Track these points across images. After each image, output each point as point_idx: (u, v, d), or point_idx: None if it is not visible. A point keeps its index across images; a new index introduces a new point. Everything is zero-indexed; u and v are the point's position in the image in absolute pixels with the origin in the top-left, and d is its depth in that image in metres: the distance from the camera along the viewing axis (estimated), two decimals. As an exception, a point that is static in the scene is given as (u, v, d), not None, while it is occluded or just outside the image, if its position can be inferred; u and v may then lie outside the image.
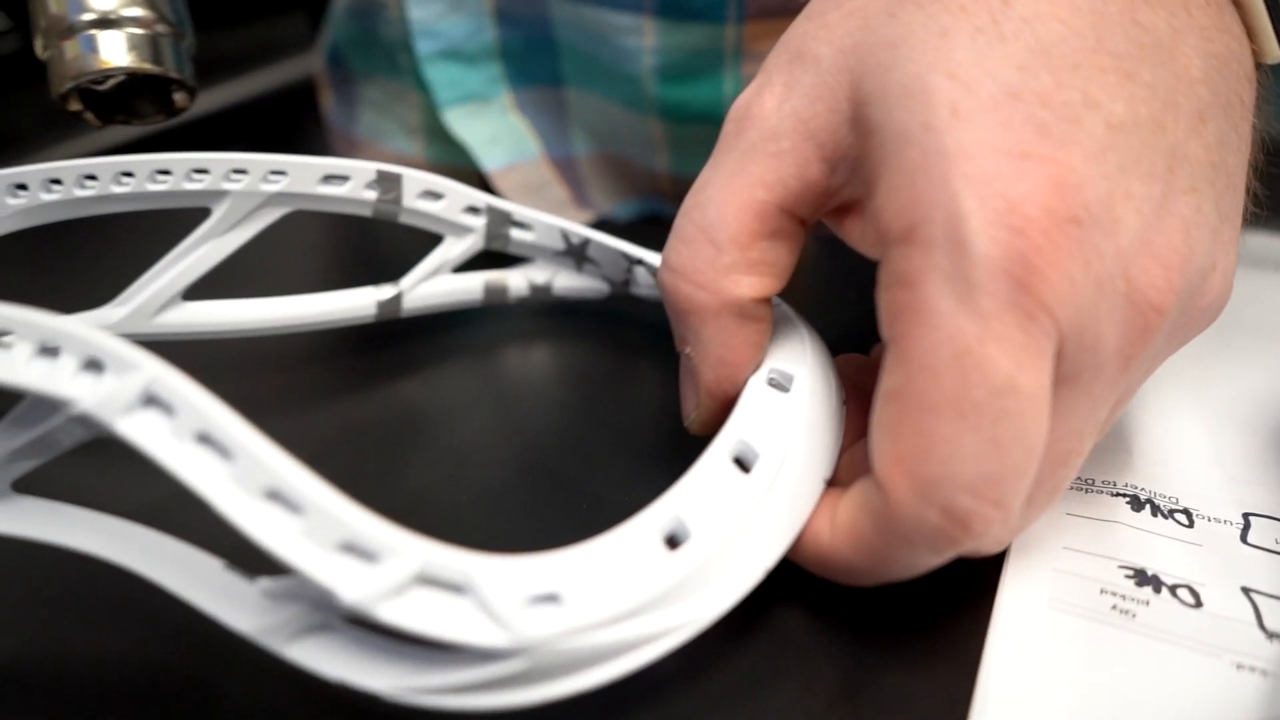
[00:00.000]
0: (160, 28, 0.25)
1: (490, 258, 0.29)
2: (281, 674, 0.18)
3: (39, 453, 0.17)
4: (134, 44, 0.24)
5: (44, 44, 0.25)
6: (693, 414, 0.21)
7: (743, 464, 0.18)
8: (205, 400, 0.15)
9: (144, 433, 0.15)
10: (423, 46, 0.34)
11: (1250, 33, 0.19)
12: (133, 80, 0.25)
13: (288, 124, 0.52)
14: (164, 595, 0.20)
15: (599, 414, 0.26)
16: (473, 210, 0.27)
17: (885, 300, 0.17)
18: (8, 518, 0.18)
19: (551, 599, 0.15)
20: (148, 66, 0.24)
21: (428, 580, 0.15)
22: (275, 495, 0.15)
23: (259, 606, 0.16)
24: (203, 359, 0.22)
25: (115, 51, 0.24)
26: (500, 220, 0.27)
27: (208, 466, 0.15)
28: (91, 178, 0.25)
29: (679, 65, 0.31)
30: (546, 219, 0.27)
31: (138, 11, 0.24)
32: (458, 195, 0.27)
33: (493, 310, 0.30)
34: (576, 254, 0.28)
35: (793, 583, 0.20)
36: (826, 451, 0.20)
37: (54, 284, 0.30)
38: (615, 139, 0.35)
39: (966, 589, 0.20)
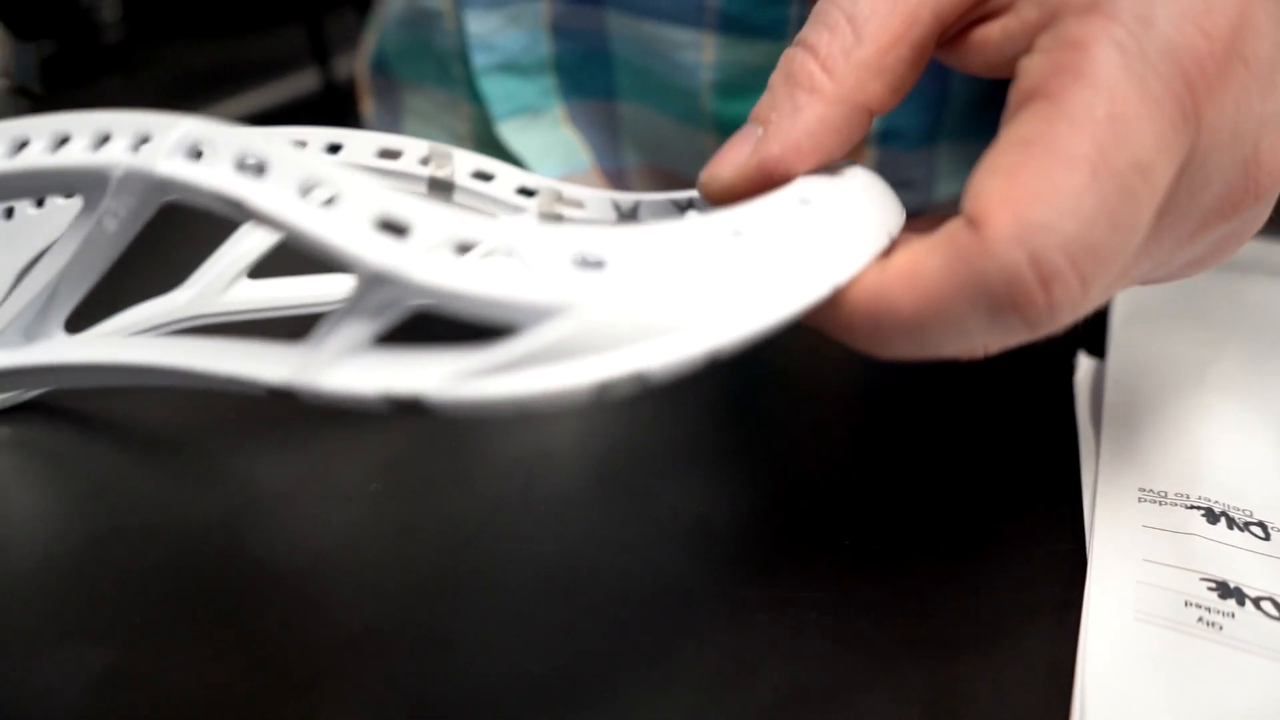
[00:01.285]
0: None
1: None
2: (385, 678, 0.18)
3: (88, 263, 0.18)
4: None
5: None
6: (725, 175, 0.19)
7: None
8: (235, 132, 0.16)
9: (184, 169, 0.16)
10: (479, 59, 0.34)
11: None
12: None
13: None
14: (259, 600, 0.20)
15: (669, 422, 0.26)
16: (525, 192, 0.28)
17: (1037, 64, 0.17)
18: (68, 350, 0.19)
19: (598, 264, 0.15)
20: None
21: (469, 246, 0.15)
22: (309, 187, 0.15)
23: (292, 351, 0.15)
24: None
25: None
26: (552, 198, 0.28)
27: (248, 180, 0.15)
28: None
29: (738, 81, 0.32)
30: (596, 192, 0.28)
31: None
32: (509, 175, 0.27)
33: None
34: (629, 222, 0.28)
35: (876, 596, 0.20)
36: (884, 214, 0.19)
37: (123, 272, 0.30)
38: (666, 152, 0.35)
39: (1051, 599, 0.20)
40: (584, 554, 0.22)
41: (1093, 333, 0.29)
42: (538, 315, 0.14)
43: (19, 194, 0.18)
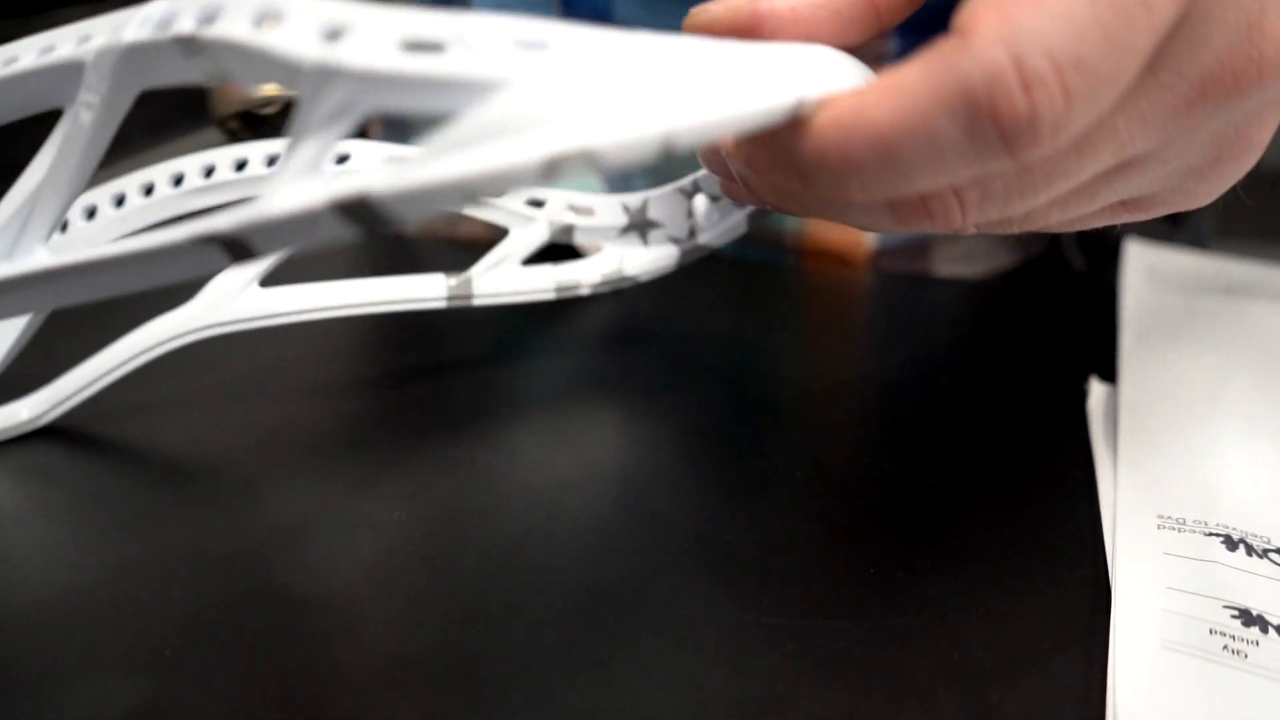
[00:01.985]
0: None
1: (557, 254, 0.29)
2: (421, 712, 0.18)
3: (66, 168, 0.18)
4: None
5: None
6: (716, 9, 0.18)
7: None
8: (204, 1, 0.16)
9: (146, 31, 0.16)
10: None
11: None
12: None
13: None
14: (290, 631, 0.20)
15: (689, 450, 0.26)
16: (535, 204, 0.28)
17: None
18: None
19: (540, 45, 0.14)
20: None
21: (415, 43, 0.14)
22: (261, 19, 0.15)
23: (245, 205, 0.15)
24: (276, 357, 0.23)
25: None
26: (562, 207, 0.28)
27: (204, 23, 0.16)
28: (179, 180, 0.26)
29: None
30: (605, 198, 0.28)
31: None
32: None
33: (567, 337, 0.31)
34: (639, 223, 0.28)
35: (903, 624, 0.20)
36: (865, 73, 0.18)
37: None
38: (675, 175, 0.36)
39: (1077, 627, 0.20)
40: (613, 583, 0.22)
41: (1104, 357, 0.30)
42: (479, 92, 0.14)
43: (9, 107, 0.18)
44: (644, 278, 0.28)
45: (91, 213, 0.26)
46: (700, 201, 0.28)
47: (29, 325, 0.26)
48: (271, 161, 0.26)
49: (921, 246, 0.37)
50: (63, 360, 0.27)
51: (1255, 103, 0.17)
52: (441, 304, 0.28)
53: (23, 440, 0.27)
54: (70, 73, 0.17)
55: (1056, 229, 0.20)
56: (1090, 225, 0.21)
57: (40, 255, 0.19)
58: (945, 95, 0.14)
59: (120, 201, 0.26)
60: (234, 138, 0.27)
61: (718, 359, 0.31)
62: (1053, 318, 0.34)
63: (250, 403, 0.29)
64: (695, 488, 0.25)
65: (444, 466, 0.26)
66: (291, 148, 0.15)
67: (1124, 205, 0.20)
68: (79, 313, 0.27)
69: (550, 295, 0.29)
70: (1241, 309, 0.33)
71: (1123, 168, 0.17)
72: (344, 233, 0.14)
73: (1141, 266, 0.35)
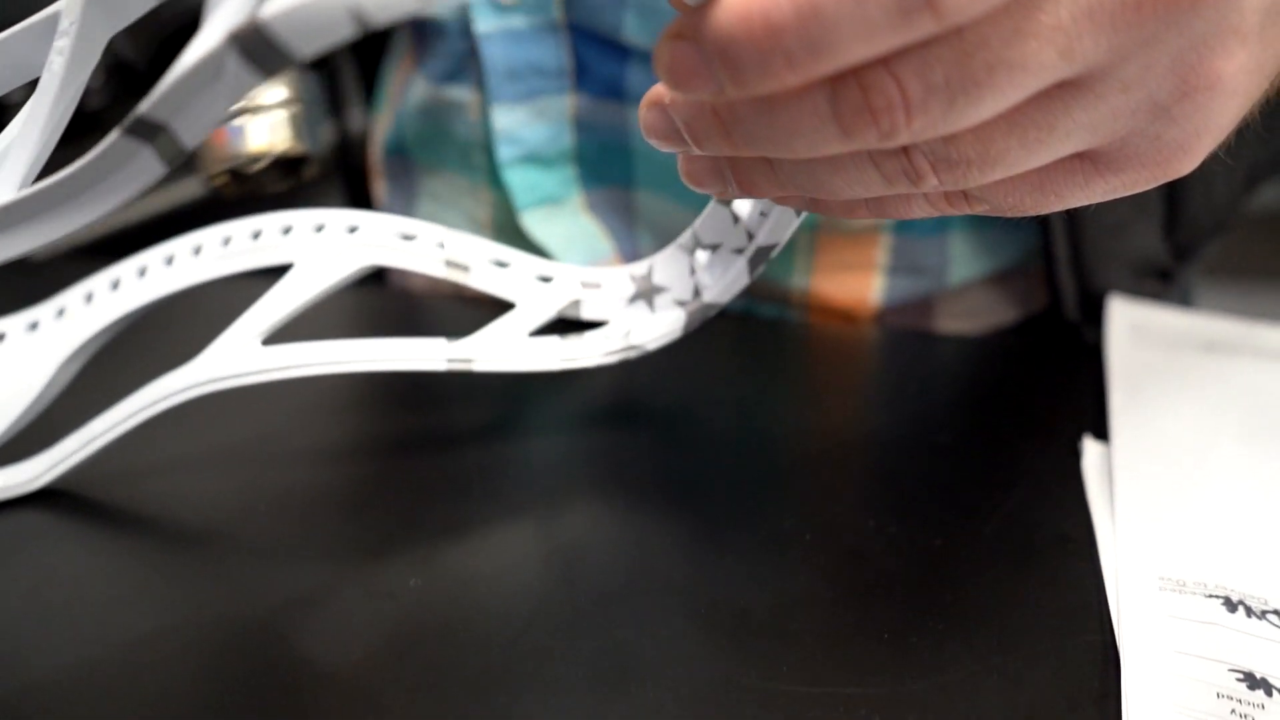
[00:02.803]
0: (298, 109, 0.26)
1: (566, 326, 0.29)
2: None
3: (36, 117, 0.19)
4: (282, 126, 0.26)
5: None
6: None
7: None
8: None
9: None
10: (505, 152, 0.35)
11: None
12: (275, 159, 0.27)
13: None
14: (311, 703, 0.20)
15: (698, 512, 0.27)
16: (543, 279, 0.28)
17: None
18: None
19: None
20: (294, 146, 0.26)
21: None
22: None
23: None
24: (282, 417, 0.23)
25: (263, 136, 0.26)
26: (570, 284, 0.28)
27: None
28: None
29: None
30: (611, 270, 0.28)
31: (280, 97, 0.26)
32: (525, 262, 0.28)
33: (577, 398, 0.31)
34: (646, 290, 0.28)
35: (920, 691, 0.21)
36: None
37: (140, 350, 0.30)
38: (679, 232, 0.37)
39: (1089, 692, 0.21)
40: (631, 649, 0.22)
41: (1099, 413, 0.31)
42: None
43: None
44: (651, 346, 0.28)
45: (116, 283, 0.26)
46: (701, 256, 0.28)
47: (40, 396, 0.26)
48: (287, 230, 0.27)
49: (926, 303, 0.38)
50: (63, 423, 0.27)
51: (1212, 16, 0.16)
52: (441, 367, 0.28)
53: (26, 502, 0.27)
54: (48, 29, 0.18)
55: (1028, 203, 0.19)
56: (1062, 194, 0.19)
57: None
58: None
59: (143, 272, 0.26)
60: (220, 194, 0.28)
61: (725, 417, 0.32)
62: (1050, 374, 0.35)
63: (255, 465, 0.29)
64: (707, 551, 0.25)
65: (455, 530, 0.26)
66: (205, 20, 0.15)
67: (1092, 162, 0.19)
68: (80, 377, 0.28)
69: (555, 368, 0.29)
70: (1223, 366, 0.34)
71: (1078, 87, 0.17)
72: (248, 77, 0.15)
73: (1125, 323, 0.36)
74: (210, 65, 0.15)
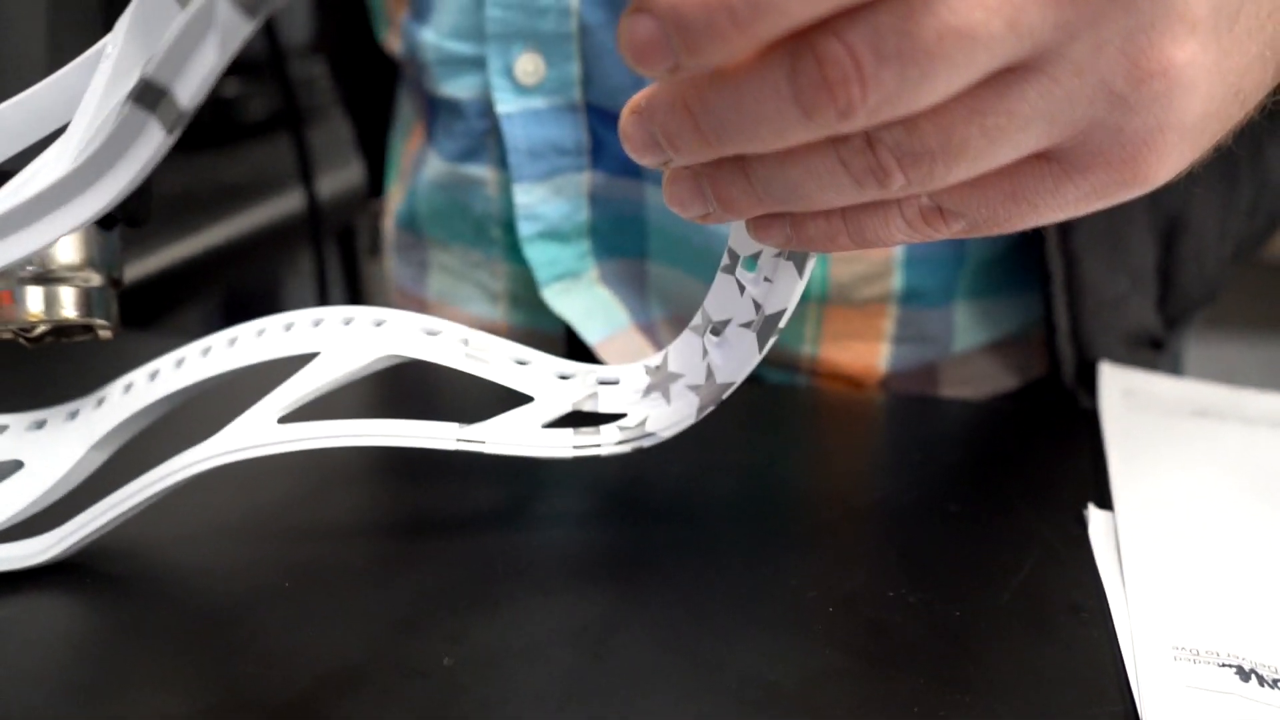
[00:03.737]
0: (88, 278, 0.27)
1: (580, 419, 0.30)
2: None
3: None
4: (59, 298, 0.26)
5: None
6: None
7: None
8: None
9: None
10: (525, 228, 0.36)
11: None
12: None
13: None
14: None
15: (721, 584, 0.27)
16: (562, 376, 0.29)
17: None
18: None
19: None
20: (69, 318, 0.26)
21: None
22: None
23: None
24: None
25: (40, 305, 0.26)
26: (588, 381, 0.29)
27: None
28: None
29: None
30: (627, 367, 0.29)
31: (70, 266, 0.26)
32: (545, 362, 0.29)
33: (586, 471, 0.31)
34: (661, 381, 0.29)
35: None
36: None
37: (168, 424, 0.30)
38: (693, 305, 0.38)
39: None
40: (667, 728, 0.22)
41: (1100, 477, 0.32)
42: None
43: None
44: (665, 434, 0.28)
45: (154, 374, 0.27)
46: (713, 337, 0.29)
47: (66, 478, 0.26)
48: (318, 323, 0.27)
49: (930, 370, 0.39)
50: (76, 498, 0.27)
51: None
52: (451, 446, 0.28)
53: (37, 575, 0.27)
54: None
55: (1002, 214, 0.19)
56: (1035, 203, 0.19)
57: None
58: None
59: (180, 363, 0.27)
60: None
61: (739, 484, 0.32)
62: (1050, 439, 0.36)
63: (276, 538, 0.29)
64: (733, 624, 0.26)
65: (484, 606, 0.26)
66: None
67: (1059, 163, 0.19)
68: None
69: (566, 455, 0.29)
70: (1213, 432, 0.35)
71: (1031, 69, 0.17)
72: (238, 21, 0.16)
73: (1117, 389, 0.38)
74: (204, 14, 0.16)
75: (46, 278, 0.26)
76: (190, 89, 0.17)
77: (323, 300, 0.60)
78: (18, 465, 0.27)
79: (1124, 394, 0.37)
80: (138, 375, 0.27)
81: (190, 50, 0.17)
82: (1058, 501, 0.31)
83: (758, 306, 0.26)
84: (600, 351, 0.37)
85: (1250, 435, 0.35)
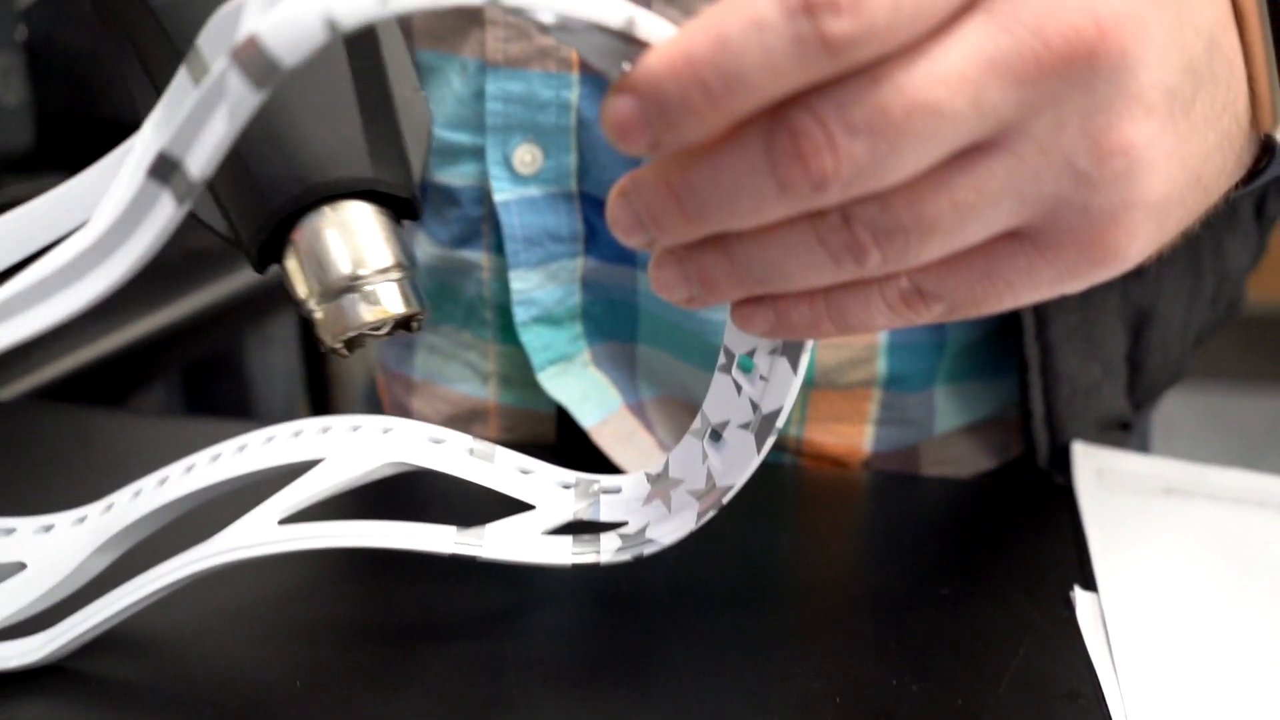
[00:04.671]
0: (410, 272, 0.27)
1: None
2: None
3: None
4: (401, 293, 0.27)
5: (318, 301, 0.26)
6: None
7: None
8: None
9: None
10: (520, 314, 0.37)
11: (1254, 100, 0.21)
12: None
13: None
14: None
15: (732, 674, 0.28)
16: (564, 485, 0.29)
17: None
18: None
19: None
20: (413, 310, 0.27)
21: None
22: None
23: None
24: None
25: (391, 302, 0.26)
26: (589, 492, 0.29)
27: None
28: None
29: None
30: (628, 477, 0.29)
31: (397, 265, 0.27)
32: (548, 472, 0.29)
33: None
34: (663, 488, 0.29)
35: None
36: None
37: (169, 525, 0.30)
38: (682, 387, 0.38)
39: None
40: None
41: (1082, 555, 0.33)
42: None
43: None
44: (666, 541, 0.28)
45: (163, 480, 0.27)
46: (711, 441, 0.29)
47: (66, 581, 0.26)
48: (326, 430, 0.28)
49: (912, 452, 0.40)
50: (71, 599, 0.27)
51: (1112, 78, 0.17)
52: (448, 550, 0.28)
53: (27, 679, 0.26)
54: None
55: (979, 294, 0.20)
56: (1012, 283, 0.20)
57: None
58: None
59: (189, 469, 0.27)
60: (334, 354, 0.29)
61: (736, 571, 0.33)
62: (1029, 517, 0.37)
63: (280, 637, 0.29)
64: (745, 718, 0.26)
65: (498, 709, 0.26)
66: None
67: (1030, 242, 0.19)
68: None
69: (564, 563, 0.28)
70: (1183, 510, 0.37)
71: (997, 146, 0.18)
72: (246, 93, 0.17)
73: (1090, 469, 0.39)
74: (216, 88, 0.17)
75: (366, 281, 0.26)
76: (201, 160, 0.18)
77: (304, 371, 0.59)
78: (20, 567, 0.26)
79: (1097, 474, 0.39)
80: (146, 482, 0.27)
81: (202, 123, 0.18)
82: (1044, 583, 0.33)
83: (755, 406, 0.27)
84: (595, 435, 0.37)
85: (1218, 512, 0.37)
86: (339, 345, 0.26)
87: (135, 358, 0.61)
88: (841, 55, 0.16)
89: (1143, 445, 0.45)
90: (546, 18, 0.19)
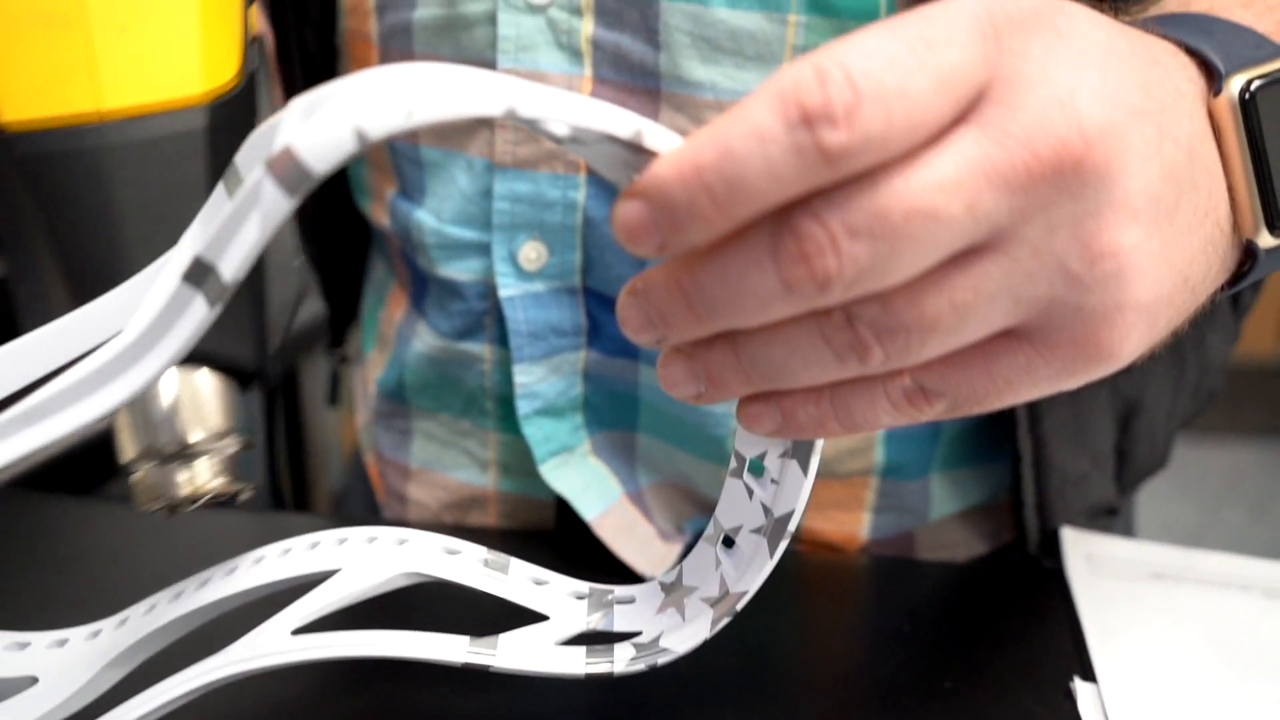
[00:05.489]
0: (237, 445, 0.27)
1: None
2: None
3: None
4: (226, 468, 0.27)
5: (140, 463, 0.27)
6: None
7: None
8: None
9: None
10: (523, 407, 0.37)
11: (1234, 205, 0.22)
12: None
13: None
14: None
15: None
16: (578, 596, 0.29)
17: None
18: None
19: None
20: (234, 489, 0.27)
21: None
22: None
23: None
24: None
25: (213, 477, 0.27)
26: (603, 603, 0.29)
27: None
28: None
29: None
30: (641, 587, 0.29)
31: (228, 438, 0.27)
32: (562, 583, 0.29)
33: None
34: (677, 597, 0.29)
35: None
36: None
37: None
38: (680, 474, 0.39)
39: None
40: None
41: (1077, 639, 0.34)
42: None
43: None
44: (680, 650, 0.28)
45: (178, 595, 0.27)
46: (725, 548, 0.29)
47: (77, 695, 0.26)
48: (342, 541, 0.28)
49: (908, 538, 0.41)
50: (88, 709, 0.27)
51: (1098, 186, 0.19)
52: (460, 660, 0.28)
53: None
54: None
55: (980, 392, 0.21)
56: (1012, 381, 0.21)
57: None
58: (763, 95, 0.17)
59: (204, 583, 0.27)
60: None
61: (746, 666, 0.33)
62: (1024, 602, 0.38)
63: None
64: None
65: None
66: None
67: (1028, 341, 0.20)
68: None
69: (578, 673, 0.28)
70: (1172, 595, 0.38)
71: (992, 249, 0.19)
72: (280, 200, 0.18)
73: (1080, 555, 0.40)
74: (251, 196, 0.18)
75: (194, 450, 0.26)
76: (234, 265, 0.19)
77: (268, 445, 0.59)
78: (32, 681, 0.26)
79: (1087, 559, 0.40)
80: (161, 596, 0.27)
81: (236, 229, 0.18)
82: (1044, 673, 0.33)
83: (767, 510, 0.27)
84: (596, 528, 0.38)
85: (1205, 597, 0.38)
86: (157, 509, 0.26)
87: (103, 445, 0.60)
88: (839, 165, 0.17)
89: (1128, 527, 0.46)
90: (560, 130, 0.20)
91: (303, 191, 0.18)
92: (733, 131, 0.17)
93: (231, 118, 0.28)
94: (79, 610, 0.29)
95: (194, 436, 0.26)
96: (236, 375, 0.28)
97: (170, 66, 0.27)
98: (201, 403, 0.27)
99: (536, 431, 0.38)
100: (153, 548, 0.31)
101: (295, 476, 1.14)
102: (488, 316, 0.38)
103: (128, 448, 0.27)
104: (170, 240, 0.25)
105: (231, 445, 0.27)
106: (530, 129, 0.20)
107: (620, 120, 0.20)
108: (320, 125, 0.17)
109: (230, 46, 0.29)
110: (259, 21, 0.34)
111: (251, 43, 0.30)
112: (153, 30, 0.27)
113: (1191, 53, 0.23)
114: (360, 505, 0.50)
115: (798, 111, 0.17)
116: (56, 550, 0.39)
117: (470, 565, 0.28)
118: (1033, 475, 0.37)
